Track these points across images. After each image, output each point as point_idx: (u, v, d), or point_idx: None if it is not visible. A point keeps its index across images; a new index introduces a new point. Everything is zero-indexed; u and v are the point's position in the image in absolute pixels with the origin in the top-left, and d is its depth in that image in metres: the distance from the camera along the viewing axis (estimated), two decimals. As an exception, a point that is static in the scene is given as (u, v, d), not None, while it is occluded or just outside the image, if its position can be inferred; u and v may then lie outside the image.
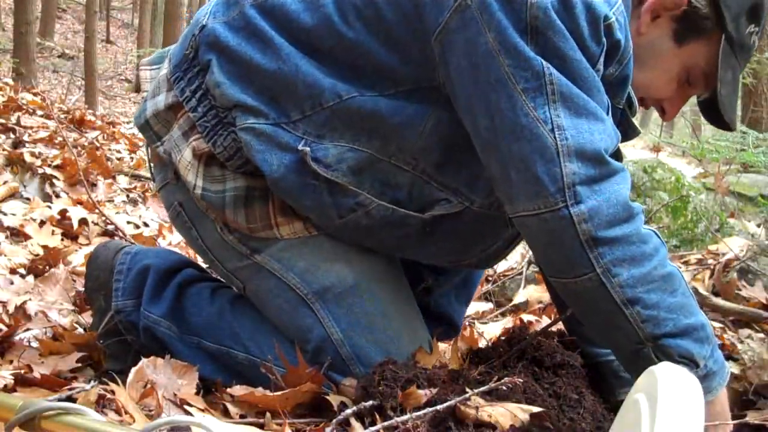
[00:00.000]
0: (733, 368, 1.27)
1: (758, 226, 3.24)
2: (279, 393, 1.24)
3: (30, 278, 1.95)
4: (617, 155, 1.20)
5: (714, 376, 1.13)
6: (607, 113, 1.15)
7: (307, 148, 1.22)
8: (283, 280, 1.33)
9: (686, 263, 2.16)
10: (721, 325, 1.54)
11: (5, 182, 2.85)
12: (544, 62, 1.08)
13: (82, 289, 1.78)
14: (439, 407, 1.08)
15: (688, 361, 1.11)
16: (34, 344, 1.54)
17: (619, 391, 1.38)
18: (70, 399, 1.23)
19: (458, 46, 1.12)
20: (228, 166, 1.29)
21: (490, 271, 2.50)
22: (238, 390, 1.30)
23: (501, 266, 2.65)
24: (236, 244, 1.34)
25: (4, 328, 1.56)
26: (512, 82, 1.09)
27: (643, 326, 1.12)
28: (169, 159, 1.37)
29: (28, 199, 2.80)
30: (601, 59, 1.13)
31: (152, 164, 1.48)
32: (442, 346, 1.47)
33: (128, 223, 2.81)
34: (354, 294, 1.31)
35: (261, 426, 1.20)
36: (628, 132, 1.31)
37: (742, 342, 1.32)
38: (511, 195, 1.13)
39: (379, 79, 1.21)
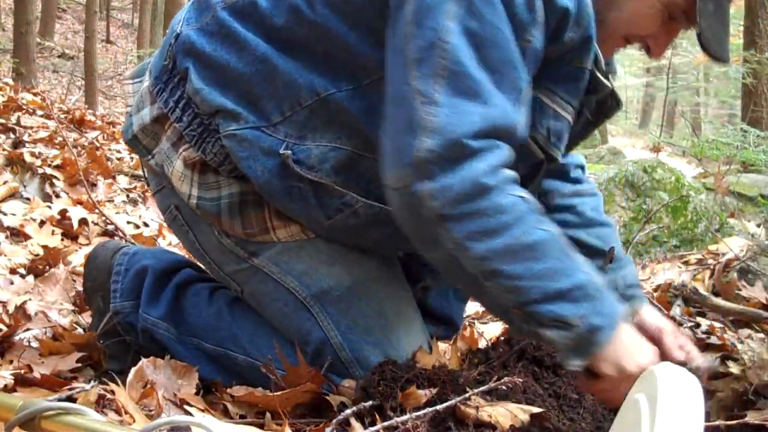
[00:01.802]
0: (733, 368, 1.27)
1: (758, 226, 3.24)
2: (279, 393, 1.24)
3: (30, 278, 1.95)
4: (557, 142, 1.20)
5: (600, 330, 1.10)
6: (520, 91, 1.12)
7: (289, 151, 1.22)
8: (281, 283, 1.33)
9: (686, 263, 2.16)
10: (721, 325, 1.54)
11: (5, 182, 2.85)
12: (445, 33, 1.07)
13: (81, 289, 1.78)
14: (439, 407, 1.08)
15: (561, 323, 1.10)
16: (34, 344, 1.54)
17: None
18: (70, 399, 1.23)
19: (393, 20, 1.13)
20: (221, 171, 1.29)
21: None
22: (238, 390, 1.30)
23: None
24: (234, 247, 1.34)
25: (4, 328, 1.56)
26: (408, 50, 1.09)
27: (507, 296, 1.11)
28: (162, 171, 1.37)
29: (28, 199, 2.80)
30: (536, 30, 1.12)
31: (146, 172, 1.48)
32: (442, 346, 1.47)
33: (128, 223, 2.81)
34: (352, 296, 1.31)
35: (261, 426, 1.20)
36: (597, 89, 1.26)
37: (742, 342, 1.32)
38: (382, 164, 1.13)
39: (353, 68, 1.20)
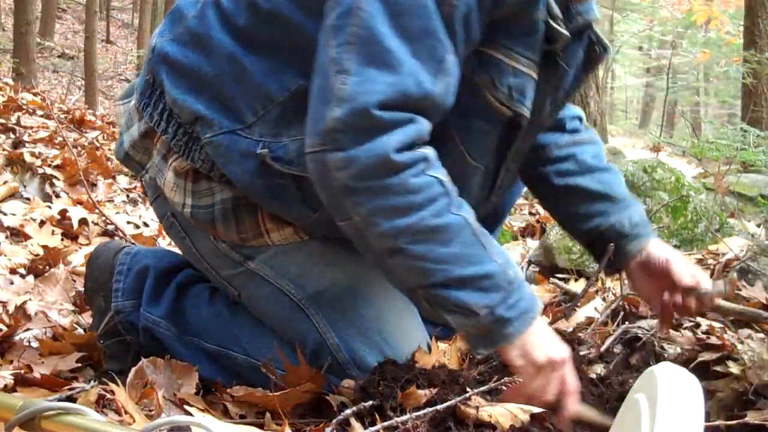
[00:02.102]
0: (733, 368, 1.27)
1: (758, 226, 3.24)
2: (279, 393, 1.24)
3: (30, 278, 1.95)
4: (521, 98, 1.19)
5: (508, 323, 1.11)
6: (441, 61, 1.09)
7: (266, 150, 1.22)
8: (276, 286, 1.33)
9: (686, 263, 2.16)
10: (721, 325, 1.54)
11: (5, 182, 2.85)
12: (361, 1, 1.06)
13: (82, 289, 1.78)
14: (439, 407, 1.08)
15: (464, 310, 1.10)
16: (34, 344, 1.54)
17: (631, 248, 1.40)
18: (70, 399, 1.23)
19: None
20: (213, 177, 1.29)
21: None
22: (238, 390, 1.30)
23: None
24: (229, 252, 1.34)
25: (4, 328, 1.56)
26: (328, 19, 1.10)
27: (410, 276, 1.12)
28: (155, 184, 1.38)
29: (28, 199, 2.80)
30: None
31: (143, 183, 1.49)
32: (442, 346, 1.47)
33: (128, 223, 2.81)
34: (348, 298, 1.31)
35: (261, 426, 1.20)
36: (555, 38, 1.22)
37: (742, 342, 1.32)
38: (306, 130, 1.12)
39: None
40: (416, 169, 1.08)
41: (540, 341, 1.13)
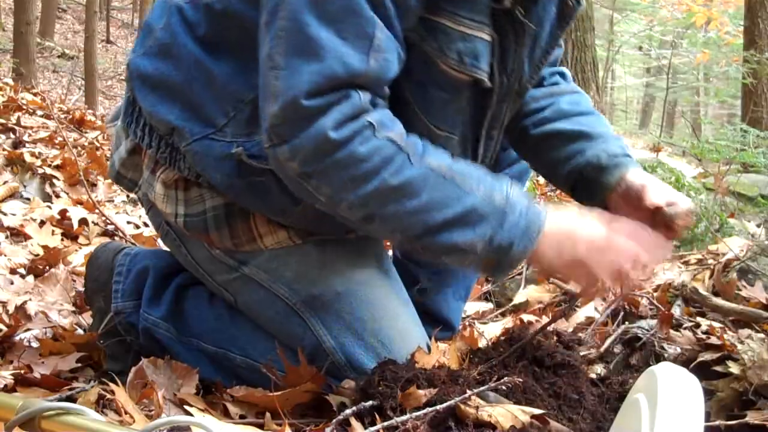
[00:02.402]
0: (733, 368, 1.27)
1: (758, 226, 3.24)
2: (279, 393, 1.24)
3: (30, 278, 1.95)
4: (475, 62, 1.17)
5: (511, 246, 1.10)
6: (371, 37, 1.09)
7: (240, 149, 1.22)
8: (271, 291, 1.33)
9: (686, 263, 2.16)
10: (721, 325, 1.54)
11: (5, 182, 2.85)
12: None
13: (82, 289, 1.78)
14: (439, 407, 1.08)
15: (458, 250, 1.10)
16: (34, 344, 1.54)
17: (609, 178, 1.34)
18: (70, 399, 1.23)
19: None
20: (202, 183, 1.30)
21: (490, 271, 2.49)
22: (238, 390, 1.30)
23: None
24: (223, 257, 1.35)
25: (4, 328, 1.57)
26: (262, 17, 1.11)
27: (393, 234, 1.13)
28: (146, 198, 1.39)
29: (28, 199, 2.80)
30: None
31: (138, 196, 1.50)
32: (442, 346, 1.47)
33: (128, 223, 2.81)
34: (343, 301, 1.31)
35: (261, 426, 1.20)
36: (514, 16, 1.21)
37: (742, 342, 1.32)
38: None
39: None
40: (361, 138, 1.09)
41: (565, 238, 1.11)
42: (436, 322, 1.58)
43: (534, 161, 1.53)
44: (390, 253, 1.86)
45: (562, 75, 1.54)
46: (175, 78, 1.27)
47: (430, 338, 1.40)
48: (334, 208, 1.13)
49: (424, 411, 1.07)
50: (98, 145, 4.15)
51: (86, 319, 1.68)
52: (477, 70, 1.21)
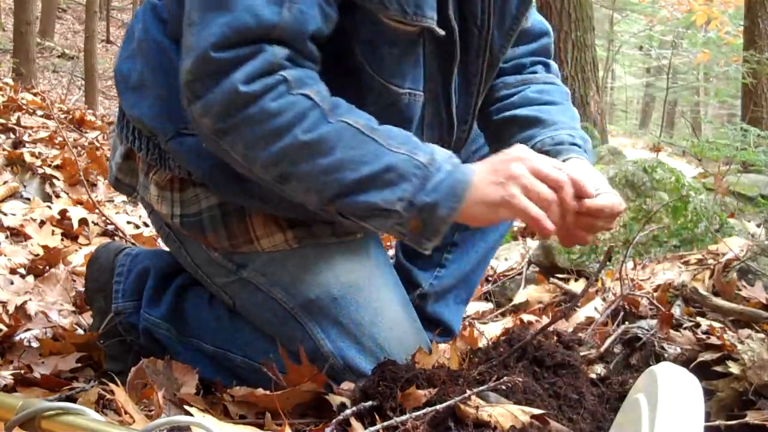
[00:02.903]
0: (733, 368, 1.27)
1: (758, 226, 3.24)
2: (279, 393, 1.24)
3: (30, 278, 1.96)
4: (417, 10, 1.13)
5: (437, 206, 1.07)
6: None
7: None
8: (269, 295, 1.32)
9: (686, 263, 2.16)
10: (721, 325, 1.53)
11: (5, 182, 2.85)
12: None
13: (82, 289, 1.78)
14: (438, 407, 1.08)
15: (377, 211, 1.07)
16: (34, 344, 1.54)
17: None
18: (70, 399, 1.23)
19: None
20: (196, 181, 1.30)
21: (489, 271, 2.50)
22: (238, 390, 1.30)
23: (501, 266, 2.65)
24: (222, 260, 1.35)
25: (4, 328, 1.57)
26: None
27: (309, 195, 1.10)
28: (143, 200, 1.40)
29: (28, 199, 2.80)
30: None
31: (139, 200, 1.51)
32: (442, 346, 1.47)
33: (128, 223, 2.82)
34: (340, 304, 1.30)
35: (261, 426, 1.20)
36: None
37: (742, 342, 1.32)
38: None
39: None
40: (274, 93, 1.06)
41: (483, 194, 1.07)
42: (436, 327, 1.57)
43: (493, 145, 1.47)
44: (391, 252, 1.86)
45: (546, 66, 1.50)
46: (147, 75, 1.28)
47: (430, 342, 1.40)
48: (251, 167, 1.11)
49: (424, 411, 1.07)
50: (98, 145, 4.15)
51: (86, 319, 1.68)
52: (422, 18, 1.16)
